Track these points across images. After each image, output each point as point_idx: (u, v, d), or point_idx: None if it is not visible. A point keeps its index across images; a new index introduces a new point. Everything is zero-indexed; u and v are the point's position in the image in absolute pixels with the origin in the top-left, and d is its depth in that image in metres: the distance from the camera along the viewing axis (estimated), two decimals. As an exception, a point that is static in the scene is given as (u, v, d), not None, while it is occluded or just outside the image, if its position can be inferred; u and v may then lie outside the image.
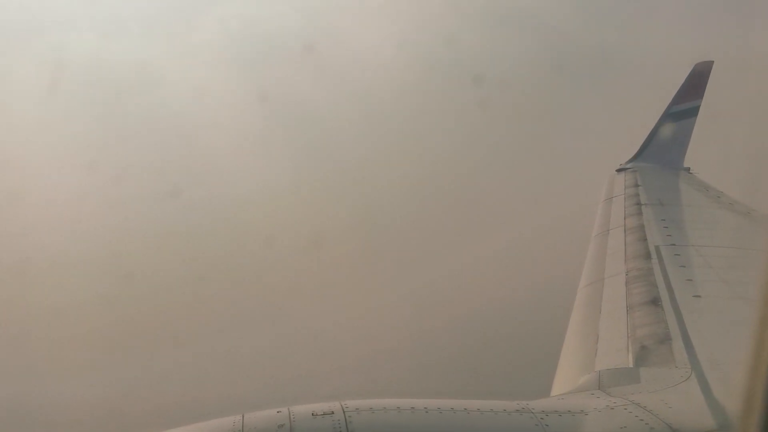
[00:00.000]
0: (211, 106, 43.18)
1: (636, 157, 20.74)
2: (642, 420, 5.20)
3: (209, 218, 35.38)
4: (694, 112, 20.74)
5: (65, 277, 30.97)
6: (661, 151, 20.48)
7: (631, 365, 6.90)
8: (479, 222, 35.25)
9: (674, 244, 11.27)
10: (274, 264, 31.35)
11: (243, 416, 4.94)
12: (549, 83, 49.78)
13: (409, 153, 42.46)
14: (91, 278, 30.07)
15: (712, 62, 20.90)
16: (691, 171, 19.61)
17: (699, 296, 8.70)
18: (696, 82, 20.78)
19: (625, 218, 13.86)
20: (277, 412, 4.97)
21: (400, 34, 51.82)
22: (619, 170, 19.82)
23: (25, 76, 41.87)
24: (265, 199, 36.18)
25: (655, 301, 8.54)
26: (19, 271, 29.16)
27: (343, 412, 4.96)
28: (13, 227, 32.42)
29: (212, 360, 25.41)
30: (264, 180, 37.92)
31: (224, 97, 42.77)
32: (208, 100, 43.65)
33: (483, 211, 35.89)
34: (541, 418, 5.22)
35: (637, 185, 17.10)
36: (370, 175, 39.56)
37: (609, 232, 13.27)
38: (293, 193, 37.08)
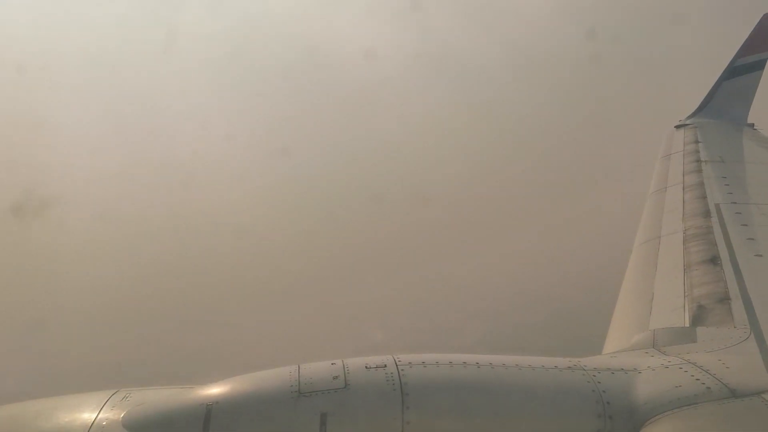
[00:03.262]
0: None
1: (696, 113, 20.00)
2: (698, 380, 5.11)
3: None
4: (760, 65, 19.80)
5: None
6: (724, 107, 19.68)
7: (687, 324, 6.77)
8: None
9: (735, 203, 10.92)
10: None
11: (299, 367, 5.06)
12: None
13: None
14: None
15: None
16: (755, 127, 18.83)
17: (761, 255, 8.44)
18: (763, 35, 19.79)
19: (683, 175, 13.46)
20: (332, 363, 5.08)
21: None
22: (678, 126, 19.14)
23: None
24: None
25: (714, 260, 8.31)
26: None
27: (396, 365, 5.04)
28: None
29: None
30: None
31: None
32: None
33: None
34: (594, 375, 5.20)
35: (697, 141, 16.53)
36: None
37: (666, 190, 12.92)
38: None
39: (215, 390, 4.95)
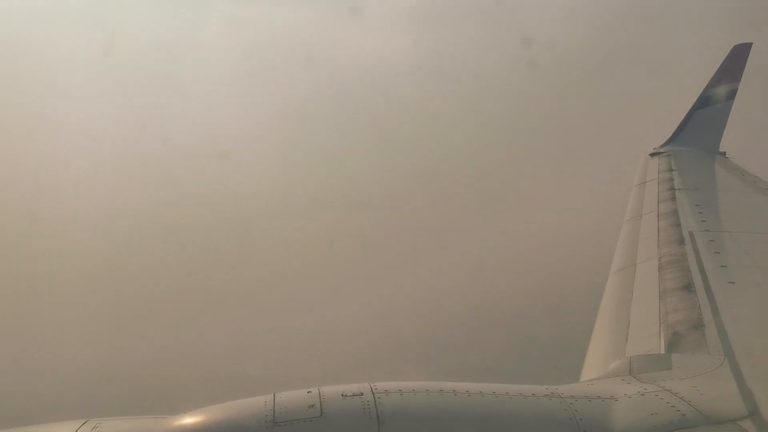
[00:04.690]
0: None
1: (670, 141, 20.37)
2: (673, 406, 5.15)
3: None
4: (731, 95, 20.27)
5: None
6: (697, 135, 20.08)
7: (662, 351, 6.82)
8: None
9: (709, 230, 11.08)
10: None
11: (274, 396, 5.00)
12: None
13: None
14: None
15: (750, 44, 20.36)
16: (727, 155, 19.20)
17: (733, 282, 8.55)
18: (734, 65, 20.28)
19: (658, 203, 13.65)
20: (308, 392, 5.02)
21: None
22: (652, 154, 19.48)
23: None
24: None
25: (689, 287, 8.41)
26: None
27: (372, 393, 4.99)
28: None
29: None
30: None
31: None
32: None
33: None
34: (570, 403, 5.19)
35: (671, 169, 16.82)
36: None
37: (642, 217, 13.08)
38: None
39: (188, 420, 4.86)
